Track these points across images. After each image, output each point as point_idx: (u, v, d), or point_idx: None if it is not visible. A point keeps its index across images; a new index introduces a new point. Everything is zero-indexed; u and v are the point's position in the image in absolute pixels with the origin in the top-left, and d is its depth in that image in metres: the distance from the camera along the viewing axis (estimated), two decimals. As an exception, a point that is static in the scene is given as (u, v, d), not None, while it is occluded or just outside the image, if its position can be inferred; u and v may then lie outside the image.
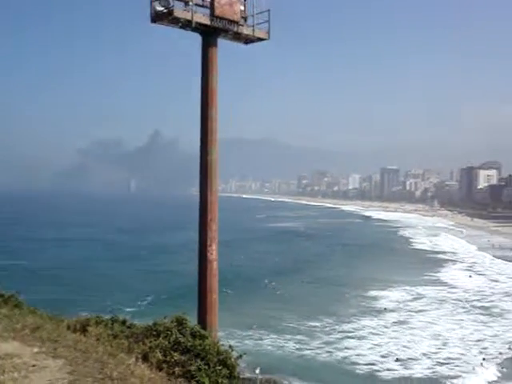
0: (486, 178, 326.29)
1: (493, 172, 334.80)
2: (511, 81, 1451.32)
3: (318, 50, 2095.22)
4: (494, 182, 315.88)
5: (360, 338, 52.62)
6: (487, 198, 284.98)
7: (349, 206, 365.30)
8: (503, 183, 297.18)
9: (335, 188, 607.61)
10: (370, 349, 49.36)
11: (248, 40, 17.10)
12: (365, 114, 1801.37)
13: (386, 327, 56.85)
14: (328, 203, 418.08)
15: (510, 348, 50.17)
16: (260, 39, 17.07)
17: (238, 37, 16.75)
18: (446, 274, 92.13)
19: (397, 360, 46.09)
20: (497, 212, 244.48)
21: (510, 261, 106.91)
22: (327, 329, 55.14)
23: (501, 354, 48.55)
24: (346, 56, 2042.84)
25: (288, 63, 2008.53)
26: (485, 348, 50.16)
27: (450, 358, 47.06)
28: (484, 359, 46.61)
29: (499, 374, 43.44)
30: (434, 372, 43.89)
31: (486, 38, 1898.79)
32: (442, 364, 45.72)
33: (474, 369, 44.35)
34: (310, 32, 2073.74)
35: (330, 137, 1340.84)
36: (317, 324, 56.60)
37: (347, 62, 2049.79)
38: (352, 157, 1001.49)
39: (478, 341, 52.43)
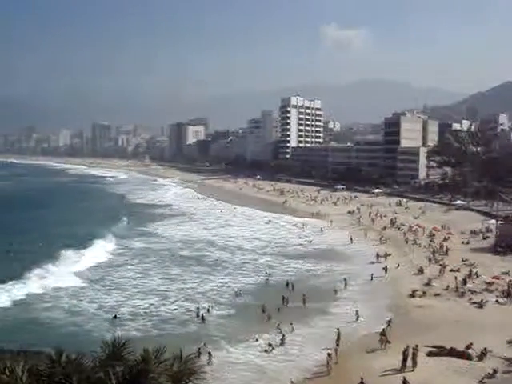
0: (194, 134, 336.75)
1: (200, 128, 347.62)
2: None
3: None
4: (202, 137, 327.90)
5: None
6: (196, 153, 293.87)
7: (66, 165, 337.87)
8: (209, 139, 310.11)
9: (45, 145, 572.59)
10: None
11: None
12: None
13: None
14: (40, 161, 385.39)
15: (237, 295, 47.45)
16: None
17: None
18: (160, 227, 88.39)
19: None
20: (204, 166, 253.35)
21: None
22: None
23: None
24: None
25: None
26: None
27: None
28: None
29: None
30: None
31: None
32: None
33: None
34: None
35: (38, 92, 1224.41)
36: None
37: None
38: (61, 112, 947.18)
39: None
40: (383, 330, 35.00)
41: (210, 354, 31.44)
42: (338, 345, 32.15)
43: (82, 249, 64.63)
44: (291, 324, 37.73)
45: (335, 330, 34.87)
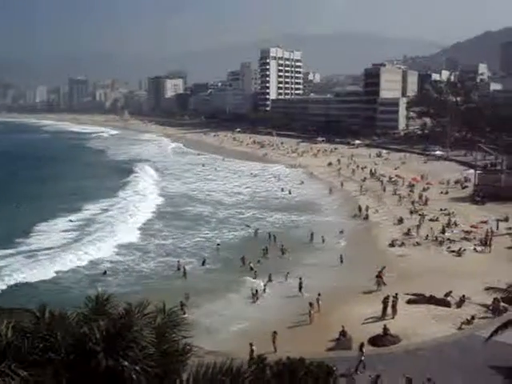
0: (172, 87, 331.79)
1: (179, 81, 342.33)
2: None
3: None
4: (181, 91, 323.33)
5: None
6: (174, 107, 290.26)
7: (45, 121, 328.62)
8: (189, 92, 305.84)
9: (21, 101, 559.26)
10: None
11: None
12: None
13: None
14: (19, 118, 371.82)
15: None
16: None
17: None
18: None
19: None
20: (184, 120, 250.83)
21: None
22: None
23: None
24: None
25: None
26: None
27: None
28: None
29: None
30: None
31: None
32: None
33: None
34: None
35: (15, 47, 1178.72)
36: None
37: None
38: (37, 68, 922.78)
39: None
40: (379, 272, 35.78)
41: (183, 305, 29.97)
42: (319, 294, 32.44)
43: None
44: (287, 274, 38.17)
45: (298, 279, 35.56)
